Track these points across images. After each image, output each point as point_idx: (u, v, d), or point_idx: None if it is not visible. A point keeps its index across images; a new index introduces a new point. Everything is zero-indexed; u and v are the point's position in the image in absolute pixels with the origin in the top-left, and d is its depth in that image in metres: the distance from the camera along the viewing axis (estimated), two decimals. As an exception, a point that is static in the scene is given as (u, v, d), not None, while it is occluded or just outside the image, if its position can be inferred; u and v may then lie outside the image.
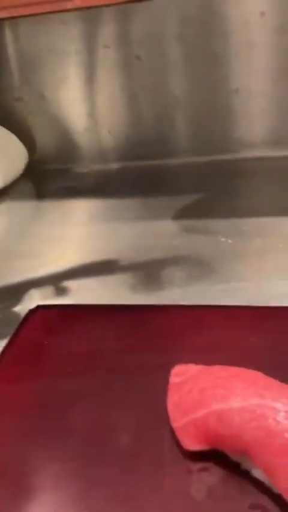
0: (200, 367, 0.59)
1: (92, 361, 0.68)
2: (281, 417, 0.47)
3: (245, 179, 1.20)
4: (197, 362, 0.61)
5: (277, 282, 0.81)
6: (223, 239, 0.96)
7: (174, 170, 1.27)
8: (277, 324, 0.68)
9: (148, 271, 0.90)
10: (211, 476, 0.52)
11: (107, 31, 1.19)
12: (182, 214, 1.06)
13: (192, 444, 0.53)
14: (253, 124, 1.23)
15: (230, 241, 0.94)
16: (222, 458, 0.52)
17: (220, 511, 0.48)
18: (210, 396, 0.52)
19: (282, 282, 0.81)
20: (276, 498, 0.48)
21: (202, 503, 0.49)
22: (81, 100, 1.27)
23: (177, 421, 0.55)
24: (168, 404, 0.57)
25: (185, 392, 0.55)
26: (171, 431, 0.55)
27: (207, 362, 0.58)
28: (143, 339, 0.70)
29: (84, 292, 0.87)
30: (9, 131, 1.28)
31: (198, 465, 0.53)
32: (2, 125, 1.29)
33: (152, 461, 0.54)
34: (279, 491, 0.47)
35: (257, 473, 0.49)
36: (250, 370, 0.54)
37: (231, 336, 0.68)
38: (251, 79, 1.18)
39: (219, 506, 0.49)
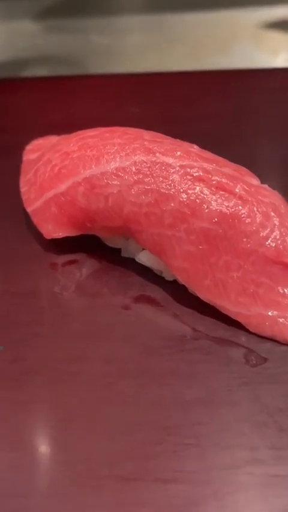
0: (63, 136, 0.44)
1: None
2: (175, 175, 0.34)
3: None
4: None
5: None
6: (96, 38, 0.80)
7: None
8: (160, 90, 0.54)
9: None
10: (81, 270, 0.38)
11: None
12: (46, 13, 0.87)
13: (54, 230, 0.38)
14: None
15: (104, 40, 0.78)
16: (96, 246, 0.39)
17: (95, 308, 0.36)
18: (77, 161, 0.37)
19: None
20: (165, 287, 0.36)
21: (70, 300, 0.36)
22: None
23: (33, 203, 0.39)
24: (20, 186, 0.42)
25: (42, 164, 0.40)
26: (28, 219, 0.41)
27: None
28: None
29: None
30: None
31: (65, 258, 0.39)
32: None
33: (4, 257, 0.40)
34: (172, 271, 0.34)
35: (144, 258, 0.37)
36: (132, 128, 0.39)
37: (107, 108, 0.53)
38: None
39: (93, 304, 0.36)
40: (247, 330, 0.33)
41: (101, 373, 0.32)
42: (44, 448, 0.30)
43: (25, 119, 0.53)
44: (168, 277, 0.36)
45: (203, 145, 0.38)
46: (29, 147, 0.45)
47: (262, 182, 0.36)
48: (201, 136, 0.44)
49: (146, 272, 0.37)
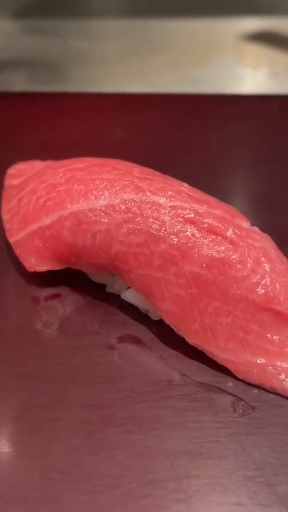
0: (48, 162, 0.42)
1: None
2: (166, 216, 0.33)
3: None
4: (45, 160, 0.44)
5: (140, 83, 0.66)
6: (75, 42, 0.78)
7: None
8: (146, 113, 0.53)
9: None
10: (65, 305, 0.37)
11: None
12: (25, 12, 0.85)
13: (38, 263, 0.37)
14: None
15: (84, 44, 0.77)
16: (80, 280, 0.38)
17: (78, 347, 0.35)
18: (64, 195, 0.36)
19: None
20: (151, 326, 0.36)
21: (53, 339, 0.35)
22: None
23: (15, 234, 0.38)
24: (1, 214, 0.41)
25: (26, 193, 0.38)
26: (9, 249, 0.39)
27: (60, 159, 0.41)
28: None
29: None
30: None
31: (47, 292, 0.38)
32: None
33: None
34: (159, 313, 0.34)
35: (130, 296, 0.36)
36: (120, 160, 0.38)
37: (90, 128, 0.52)
38: None
39: (76, 343, 0.35)
40: (235, 377, 0.33)
41: (83, 419, 0.31)
42: (24, 498, 0.29)
43: (5, 138, 0.52)
44: (155, 317, 0.35)
45: (189, 174, 0.38)
46: (10, 171, 0.43)
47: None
48: (185, 165, 0.44)
49: (131, 309, 0.36)
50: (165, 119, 0.53)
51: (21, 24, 0.87)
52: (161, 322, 0.35)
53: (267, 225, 0.37)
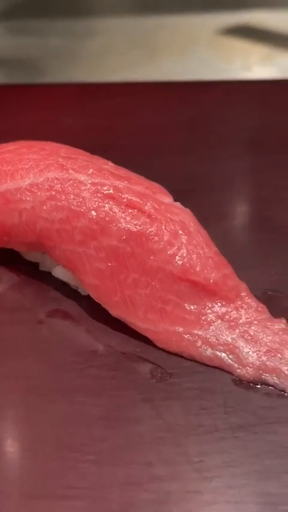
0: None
1: None
2: (86, 192, 0.34)
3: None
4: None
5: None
6: (55, 40, 0.80)
7: None
8: (95, 102, 0.54)
9: None
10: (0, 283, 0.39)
11: None
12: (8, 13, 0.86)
13: (-28, 244, 0.38)
14: None
15: (62, 42, 0.77)
16: (14, 260, 0.39)
17: (9, 323, 0.36)
18: (-7, 176, 0.37)
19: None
20: (80, 301, 0.37)
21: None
22: None
23: None
24: None
25: None
26: None
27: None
28: None
29: None
30: None
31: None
32: None
33: None
34: (84, 287, 0.35)
35: (59, 272, 0.37)
36: (50, 142, 0.39)
37: (40, 119, 0.53)
38: None
39: (9, 319, 0.36)
40: (156, 346, 0.34)
41: (8, 390, 0.32)
42: None
43: None
44: (83, 292, 0.37)
45: (129, 157, 0.39)
46: None
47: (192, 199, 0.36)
48: (128, 149, 0.45)
49: (62, 286, 0.38)
50: (113, 107, 0.54)
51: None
52: (89, 297, 0.36)
53: (201, 206, 0.38)
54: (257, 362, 0.32)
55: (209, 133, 0.51)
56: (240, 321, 0.33)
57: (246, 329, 0.33)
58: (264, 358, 0.32)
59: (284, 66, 0.72)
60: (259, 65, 0.73)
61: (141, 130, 0.51)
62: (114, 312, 0.34)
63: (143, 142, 0.49)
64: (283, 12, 0.82)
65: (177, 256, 0.33)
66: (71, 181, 0.34)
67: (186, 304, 0.33)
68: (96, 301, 0.35)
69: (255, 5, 0.82)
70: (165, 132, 0.51)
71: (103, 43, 0.79)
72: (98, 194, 0.34)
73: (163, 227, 0.33)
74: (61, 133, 0.50)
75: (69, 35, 0.82)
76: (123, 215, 0.33)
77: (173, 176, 0.45)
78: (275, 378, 0.31)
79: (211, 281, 0.33)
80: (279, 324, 0.33)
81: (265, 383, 0.31)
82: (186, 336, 0.33)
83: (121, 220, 0.33)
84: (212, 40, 0.78)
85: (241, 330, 0.33)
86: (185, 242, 0.33)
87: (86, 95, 0.56)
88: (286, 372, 0.31)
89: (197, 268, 0.33)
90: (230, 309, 0.33)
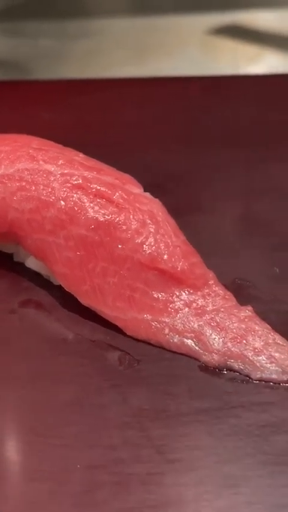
0: None
1: None
2: (56, 182, 0.35)
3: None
4: None
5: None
6: (41, 41, 0.80)
7: None
8: (74, 98, 0.55)
9: None
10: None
11: None
12: None
13: None
14: None
15: (50, 43, 0.78)
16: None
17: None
18: None
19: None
20: (52, 291, 0.37)
21: None
22: None
23: None
24: None
25: None
26: None
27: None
28: None
29: None
30: None
31: None
32: None
33: None
34: (54, 276, 0.35)
35: (32, 263, 0.37)
36: (24, 135, 0.40)
37: (19, 115, 0.53)
38: None
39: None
40: (125, 334, 0.34)
41: (-22, 378, 0.33)
42: None
43: None
44: (55, 282, 0.37)
45: (106, 153, 0.40)
46: None
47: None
48: (106, 145, 0.45)
49: (35, 276, 0.38)
50: (92, 103, 0.54)
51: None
52: (61, 287, 0.37)
53: (174, 199, 0.39)
54: (223, 349, 0.32)
55: (187, 128, 0.52)
56: (207, 308, 0.33)
57: (213, 316, 0.33)
58: (229, 344, 0.32)
59: (273, 64, 0.73)
60: (248, 64, 0.74)
61: (120, 124, 0.51)
62: (84, 300, 0.35)
63: (121, 136, 0.50)
64: (272, 12, 0.82)
65: (145, 245, 0.34)
66: (40, 172, 0.35)
67: (154, 292, 0.34)
68: (67, 290, 0.35)
69: (245, 6, 0.83)
70: (144, 127, 0.51)
71: (88, 44, 0.79)
72: (67, 184, 0.34)
73: (131, 216, 0.34)
74: (39, 128, 0.51)
75: (60, 36, 0.83)
76: (91, 205, 0.34)
77: (149, 170, 0.46)
78: (240, 363, 0.32)
79: (178, 269, 0.33)
80: (245, 312, 0.33)
81: (230, 369, 0.32)
82: (154, 324, 0.33)
83: (89, 209, 0.34)
84: (202, 40, 0.78)
85: (208, 318, 0.33)
86: (152, 231, 0.34)
87: (66, 92, 0.56)
88: (251, 358, 0.32)
89: (165, 257, 0.33)
90: (197, 297, 0.34)
